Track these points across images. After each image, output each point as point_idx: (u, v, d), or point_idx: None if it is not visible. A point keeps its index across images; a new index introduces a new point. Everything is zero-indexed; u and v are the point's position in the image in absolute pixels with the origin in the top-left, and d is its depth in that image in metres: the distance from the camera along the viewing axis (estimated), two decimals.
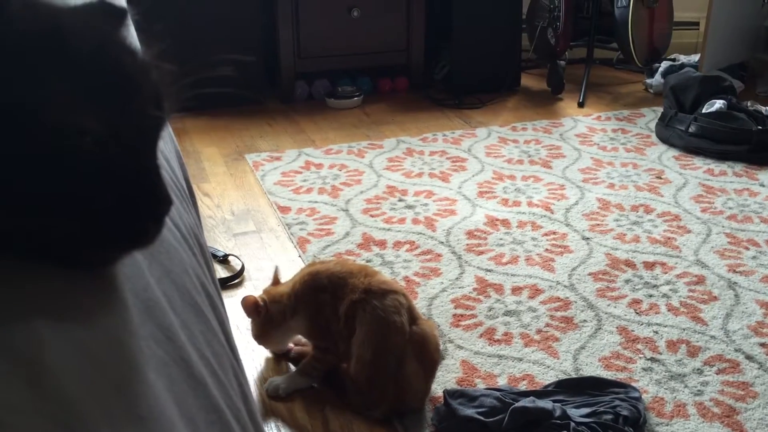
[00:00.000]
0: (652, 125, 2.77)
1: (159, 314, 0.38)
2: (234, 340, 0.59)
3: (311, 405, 1.36)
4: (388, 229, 1.99)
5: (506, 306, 1.64)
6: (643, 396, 1.34)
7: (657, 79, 3.19)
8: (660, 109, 2.80)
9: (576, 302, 1.65)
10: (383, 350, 1.29)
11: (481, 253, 1.87)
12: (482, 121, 2.87)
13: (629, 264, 1.82)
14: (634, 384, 1.37)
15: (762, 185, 2.28)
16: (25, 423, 0.25)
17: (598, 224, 2.03)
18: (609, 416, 1.25)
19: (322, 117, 2.91)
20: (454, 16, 3.07)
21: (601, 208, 2.12)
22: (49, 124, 0.31)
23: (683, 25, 3.61)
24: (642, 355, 1.47)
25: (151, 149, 0.36)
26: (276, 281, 1.50)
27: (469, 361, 1.45)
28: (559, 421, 1.22)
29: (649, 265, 1.81)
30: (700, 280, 1.74)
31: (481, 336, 1.53)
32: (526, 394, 1.30)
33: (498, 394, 1.28)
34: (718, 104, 2.57)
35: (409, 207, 2.13)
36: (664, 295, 1.68)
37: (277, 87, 3.06)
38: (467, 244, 1.91)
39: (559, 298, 1.66)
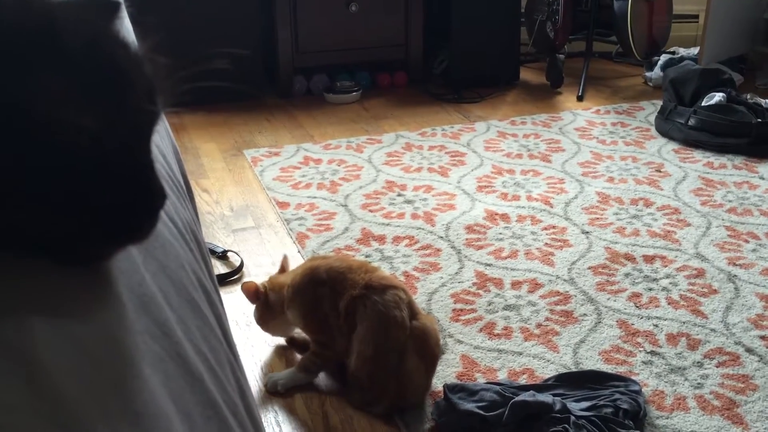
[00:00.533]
0: (652, 118, 2.77)
1: (155, 310, 0.38)
2: (231, 336, 0.58)
3: (311, 401, 1.36)
4: (388, 224, 1.99)
5: (506, 300, 1.63)
6: (643, 389, 1.34)
7: (656, 72, 3.18)
8: (659, 103, 2.80)
9: (576, 296, 1.65)
10: (384, 346, 1.29)
11: (480, 247, 1.87)
12: (481, 116, 2.87)
13: (629, 257, 1.81)
14: (634, 377, 1.37)
15: (762, 178, 2.27)
16: (23, 422, 0.25)
17: (598, 218, 2.02)
18: (609, 410, 1.24)
19: (321, 112, 2.91)
20: (452, 11, 3.06)
21: (601, 202, 2.12)
22: (43, 120, 0.30)
23: (682, 18, 3.60)
24: (642, 349, 1.47)
25: (145, 144, 0.36)
26: (283, 269, 1.51)
27: (469, 356, 1.45)
28: (559, 415, 1.22)
29: (649, 259, 1.81)
30: (700, 273, 1.74)
31: (480, 330, 1.53)
32: (526, 388, 1.30)
33: (498, 388, 1.28)
34: (718, 97, 2.56)
35: (409, 202, 2.13)
36: (664, 289, 1.68)
37: (276, 82, 3.05)
38: (467, 239, 1.91)
39: (558, 292, 1.66)
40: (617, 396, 1.28)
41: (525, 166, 2.38)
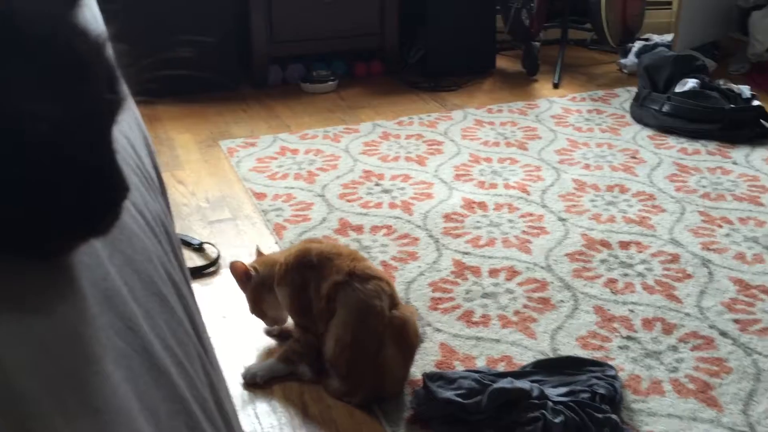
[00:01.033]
0: (627, 105, 2.78)
1: (119, 304, 0.37)
2: (204, 329, 0.58)
3: (290, 391, 1.35)
4: (365, 214, 1.99)
5: (484, 288, 1.64)
6: (620, 374, 1.35)
7: (631, 59, 3.20)
8: (634, 89, 2.82)
9: (553, 283, 1.66)
10: (363, 333, 1.29)
11: (458, 236, 1.87)
12: (458, 104, 2.87)
13: (605, 244, 1.83)
14: (610, 362, 1.38)
15: (735, 163, 2.30)
16: None
17: (574, 205, 2.04)
18: (586, 395, 1.26)
19: (297, 102, 2.89)
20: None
21: (577, 189, 2.13)
22: (1, 110, 0.29)
23: (656, 4, 3.62)
24: (618, 334, 1.48)
25: (105, 133, 0.35)
26: (260, 254, 1.50)
27: (447, 344, 1.45)
28: (536, 401, 1.22)
29: (625, 245, 1.82)
30: (675, 259, 1.75)
31: (459, 318, 1.53)
32: (504, 375, 1.31)
33: (476, 375, 1.29)
34: (691, 83, 2.59)
35: (386, 191, 2.12)
36: (640, 274, 1.69)
37: (251, 72, 3.02)
38: (444, 228, 1.91)
39: (536, 280, 1.67)
40: (594, 381, 1.29)
41: (502, 154, 2.39)
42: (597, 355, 1.42)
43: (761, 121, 2.48)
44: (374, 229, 1.91)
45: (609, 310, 1.56)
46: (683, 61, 2.70)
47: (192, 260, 1.78)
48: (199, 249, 1.82)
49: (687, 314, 1.54)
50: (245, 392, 1.35)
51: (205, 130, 2.61)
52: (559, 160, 2.33)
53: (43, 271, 0.34)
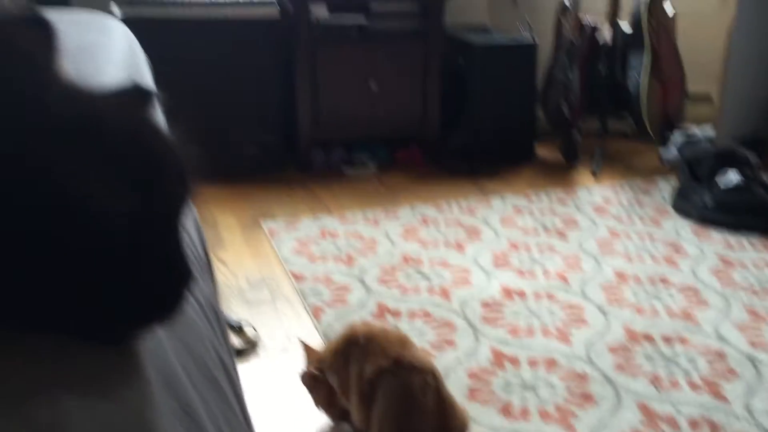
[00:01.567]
0: (668, 196, 2.78)
1: (179, 388, 0.38)
2: (248, 412, 0.58)
3: None
4: (403, 299, 1.99)
5: (523, 379, 1.61)
6: None
7: (671, 150, 3.21)
8: (675, 181, 2.81)
9: (594, 377, 1.62)
10: (406, 429, 1.26)
11: (497, 324, 1.85)
12: (497, 191, 2.89)
13: (648, 338, 1.79)
14: None
15: None
16: None
17: (615, 297, 2.01)
18: None
19: (339, 186, 2.95)
20: (469, 88, 3.13)
21: (618, 280, 2.11)
22: (85, 205, 0.32)
23: (697, 97, 3.66)
24: None
25: (175, 226, 0.37)
26: (307, 348, 1.49)
27: None
28: None
29: (668, 340, 1.78)
30: (721, 356, 1.71)
31: (498, 411, 1.50)
32: None
33: None
34: (734, 177, 2.58)
35: (424, 277, 2.13)
36: (685, 371, 1.65)
37: (295, 155, 3.11)
38: (483, 316, 1.89)
39: (576, 372, 1.64)
40: None
41: (541, 242, 2.38)
42: None
43: None
44: (412, 314, 1.90)
45: (653, 407, 1.51)
46: (725, 154, 2.70)
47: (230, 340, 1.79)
48: (238, 330, 1.84)
49: (735, 416, 1.49)
50: None
51: (249, 211, 2.67)
52: (600, 251, 2.32)
53: (112, 356, 0.35)
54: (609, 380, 1.61)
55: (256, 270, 2.21)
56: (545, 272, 2.16)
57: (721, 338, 1.78)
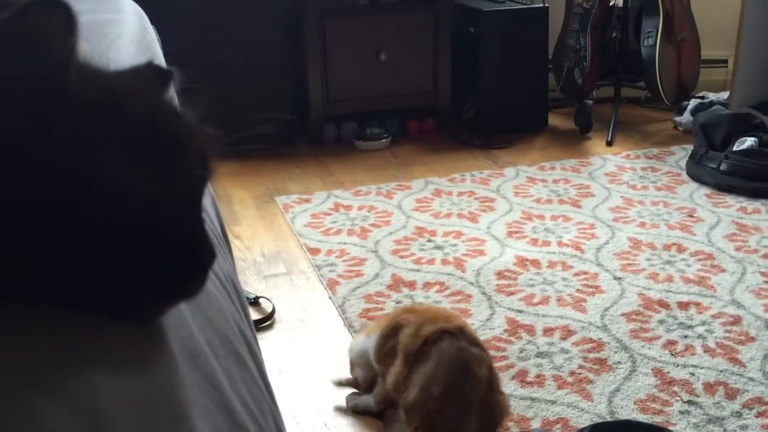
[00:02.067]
0: (683, 163, 2.76)
1: (203, 362, 0.39)
2: (270, 385, 0.60)
3: None
4: (418, 270, 2.00)
5: (538, 347, 1.62)
6: None
7: (686, 117, 3.18)
8: (690, 147, 2.79)
9: (609, 343, 1.63)
10: (454, 395, 1.24)
11: (511, 293, 1.86)
12: (510, 161, 2.88)
13: (663, 304, 1.79)
14: (671, 427, 1.34)
15: None
16: None
17: (630, 264, 2.01)
18: None
19: (351, 159, 2.95)
20: (480, 58, 3.11)
21: (633, 248, 2.11)
22: (106, 187, 0.33)
23: (711, 62, 3.61)
24: (679, 398, 1.44)
25: (196, 206, 0.38)
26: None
27: None
28: None
29: (684, 305, 1.79)
30: (737, 321, 1.71)
31: (513, 378, 1.52)
32: None
33: None
34: (749, 142, 2.55)
35: (439, 248, 2.14)
36: (700, 336, 1.65)
37: (307, 129, 3.11)
38: (497, 285, 1.90)
39: (591, 340, 1.65)
40: None
41: (555, 212, 2.38)
42: (657, 419, 1.38)
43: None
44: (426, 285, 1.92)
45: (669, 372, 1.52)
46: (740, 119, 2.68)
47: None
48: (255, 303, 1.86)
49: (751, 379, 1.49)
50: None
51: (262, 187, 2.68)
52: (614, 218, 2.32)
53: (139, 332, 0.36)
54: (624, 346, 1.62)
55: (271, 244, 2.22)
56: (559, 241, 2.16)
57: (736, 303, 1.79)
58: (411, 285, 1.92)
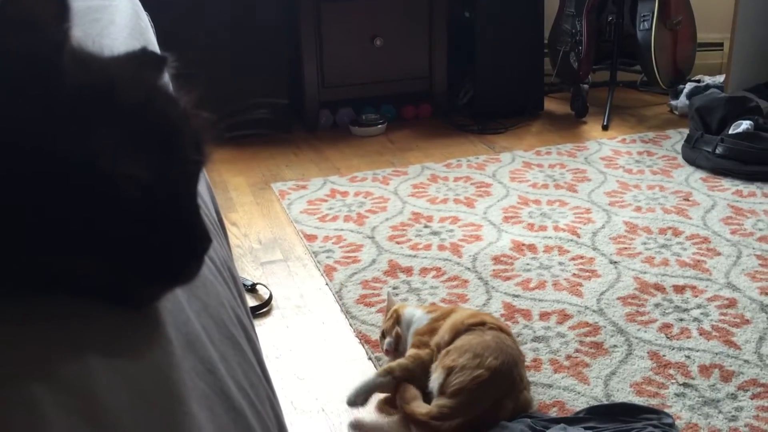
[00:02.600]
0: (678, 147, 2.76)
1: (199, 347, 0.39)
2: (267, 370, 0.60)
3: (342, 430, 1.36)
4: (415, 256, 2.00)
5: (534, 332, 1.63)
6: (677, 422, 1.32)
7: (682, 100, 3.18)
8: (686, 131, 2.79)
9: (605, 327, 1.64)
10: (504, 370, 1.31)
11: (507, 278, 1.87)
12: (506, 146, 2.88)
13: (659, 288, 1.80)
14: (666, 410, 1.35)
15: None
16: None
17: (626, 248, 2.02)
18: None
19: (347, 145, 2.94)
20: (476, 42, 3.10)
21: (629, 232, 2.11)
22: (101, 172, 0.32)
23: (707, 46, 3.60)
24: (674, 381, 1.45)
25: (191, 191, 0.38)
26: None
27: None
28: None
29: (679, 289, 1.79)
30: (732, 304, 1.72)
31: None
32: (556, 420, 1.30)
33: (529, 421, 1.28)
34: (745, 125, 2.55)
35: (435, 233, 2.14)
36: (695, 319, 1.66)
37: (302, 116, 3.10)
38: (494, 270, 1.91)
39: (588, 323, 1.65)
40: (650, 429, 1.27)
41: (551, 197, 2.38)
42: (653, 402, 1.39)
43: None
44: (423, 271, 1.92)
45: (664, 355, 1.53)
46: (736, 102, 2.68)
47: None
48: (251, 290, 1.86)
49: (746, 361, 1.50)
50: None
51: (258, 173, 2.68)
52: (610, 203, 2.32)
53: (135, 318, 0.36)
54: (620, 330, 1.62)
55: (268, 231, 2.22)
56: (555, 226, 2.17)
57: (731, 286, 1.79)
58: (408, 271, 1.92)
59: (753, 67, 3.13)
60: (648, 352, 1.54)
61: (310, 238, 2.14)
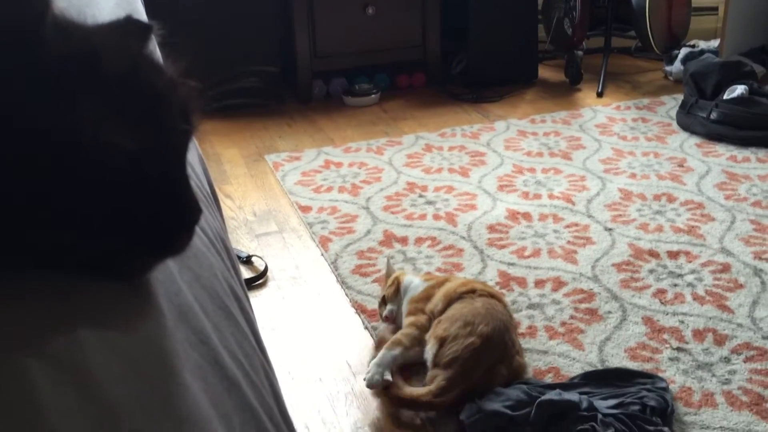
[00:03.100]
0: (673, 113, 2.75)
1: (192, 318, 0.39)
2: (262, 341, 0.60)
3: (337, 403, 1.37)
4: (410, 226, 2.00)
5: (530, 299, 1.64)
6: (671, 386, 1.33)
7: (676, 66, 3.16)
8: (680, 97, 2.78)
9: (600, 293, 1.65)
10: (496, 339, 1.32)
11: (503, 247, 1.87)
12: (500, 115, 2.87)
13: (653, 254, 1.81)
14: (660, 374, 1.37)
15: None
16: (73, 424, 0.26)
17: (621, 215, 2.02)
18: (636, 407, 1.24)
19: (340, 115, 2.93)
20: (469, 10, 3.06)
21: (623, 199, 2.11)
22: (87, 143, 0.32)
23: (702, 10, 3.57)
24: (668, 345, 1.46)
25: (180, 161, 0.37)
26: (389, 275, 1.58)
27: None
28: (585, 413, 1.22)
29: (674, 255, 1.80)
30: (726, 268, 1.73)
31: None
32: (552, 386, 1.31)
33: (524, 387, 1.29)
34: (740, 90, 2.54)
35: (430, 203, 2.14)
36: (689, 284, 1.67)
37: (295, 87, 3.08)
38: (489, 239, 1.91)
39: (582, 290, 1.66)
40: (644, 393, 1.28)
41: (546, 165, 2.38)
42: (647, 366, 1.41)
43: None
44: (419, 240, 1.92)
45: (658, 321, 1.54)
46: (731, 67, 2.66)
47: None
48: (247, 261, 1.86)
49: (739, 325, 1.52)
50: (294, 403, 1.38)
51: (251, 145, 2.66)
52: (604, 170, 2.32)
53: (126, 289, 0.36)
54: (615, 296, 1.63)
55: (262, 203, 2.22)
56: (550, 194, 2.17)
57: (725, 251, 1.80)
58: (403, 241, 1.92)
59: (748, 31, 3.11)
60: (642, 318, 1.55)
61: (305, 209, 2.13)
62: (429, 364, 1.34)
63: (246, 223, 2.09)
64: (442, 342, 1.33)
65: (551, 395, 1.25)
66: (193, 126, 0.38)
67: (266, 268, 1.82)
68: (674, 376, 1.37)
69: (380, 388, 1.33)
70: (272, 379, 0.49)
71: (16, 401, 0.26)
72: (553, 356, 1.45)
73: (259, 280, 1.78)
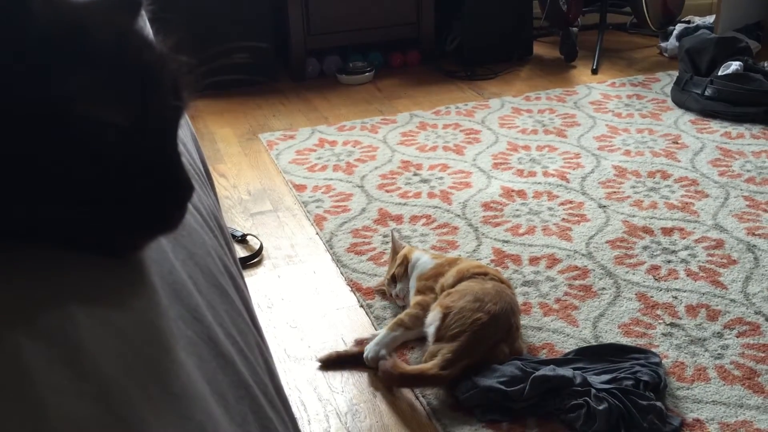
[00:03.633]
0: (668, 90, 2.74)
1: (185, 296, 0.39)
2: (257, 318, 0.60)
3: (334, 380, 1.38)
4: (404, 204, 2.00)
5: (524, 276, 1.64)
6: (664, 361, 1.35)
7: (672, 42, 3.15)
8: (675, 73, 2.77)
9: (594, 270, 1.65)
10: (502, 318, 1.33)
11: (497, 224, 1.87)
12: (495, 92, 2.86)
13: (647, 230, 1.81)
14: (654, 349, 1.38)
15: None
16: (70, 403, 0.26)
17: (615, 192, 2.02)
18: (629, 382, 1.26)
19: (335, 94, 2.91)
20: None
21: (618, 176, 2.12)
22: (75, 117, 0.32)
23: None
24: (661, 321, 1.47)
25: (171, 138, 0.37)
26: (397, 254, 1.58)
27: None
28: (579, 388, 1.23)
29: (667, 231, 1.81)
30: (719, 244, 1.73)
31: None
32: (546, 362, 1.32)
33: (519, 363, 1.30)
34: (735, 66, 2.53)
35: (425, 181, 2.14)
36: (683, 261, 1.68)
37: (289, 65, 3.05)
38: (483, 216, 1.91)
39: (577, 267, 1.67)
40: (637, 368, 1.29)
41: (540, 142, 2.37)
42: (640, 342, 1.42)
43: None
44: (413, 218, 1.92)
45: (652, 297, 1.55)
46: (726, 43, 2.65)
47: (236, 252, 1.81)
48: (242, 240, 1.86)
49: (732, 300, 1.53)
50: (290, 381, 1.38)
51: (245, 124, 2.65)
52: (599, 147, 2.32)
53: (119, 267, 0.36)
54: (609, 273, 1.64)
55: (257, 182, 2.21)
56: (545, 171, 2.16)
57: (719, 228, 1.81)
58: (398, 219, 1.92)
59: (743, 7, 3.09)
60: (636, 294, 1.56)
61: (300, 188, 2.13)
62: (430, 338, 1.34)
63: (240, 202, 2.09)
64: (446, 314, 1.33)
65: (545, 371, 1.26)
66: (184, 102, 0.38)
67: (261, 247, 1.82)
68: (667, 351, 1.38)
69: (375, 366, 1.34)
70: (267, 356, 0.49)
71: (9, 379, 0.26)
72: (547, 332, 1.46)
73: (254, 258, 1.78)
